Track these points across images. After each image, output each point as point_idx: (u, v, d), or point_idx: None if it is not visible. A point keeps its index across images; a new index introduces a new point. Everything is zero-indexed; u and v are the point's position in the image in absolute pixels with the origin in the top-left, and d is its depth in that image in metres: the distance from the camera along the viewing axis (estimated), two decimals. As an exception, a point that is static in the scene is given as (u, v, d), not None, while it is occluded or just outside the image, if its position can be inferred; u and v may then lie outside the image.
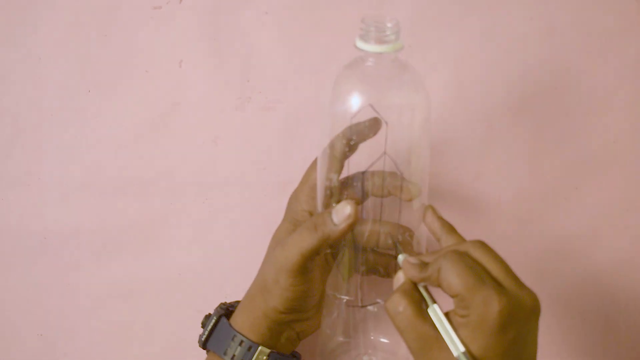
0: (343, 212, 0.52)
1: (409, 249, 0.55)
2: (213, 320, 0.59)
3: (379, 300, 0.57)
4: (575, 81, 0.68)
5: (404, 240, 0.56)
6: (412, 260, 0.50)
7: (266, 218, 0.70)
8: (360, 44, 0.51)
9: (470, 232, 0.70)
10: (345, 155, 0.55)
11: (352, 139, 0.54)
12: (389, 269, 0.57)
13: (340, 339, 0.57)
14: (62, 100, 0.69)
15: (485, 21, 0.67)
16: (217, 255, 0.71)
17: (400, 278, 0.50)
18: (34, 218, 0.70)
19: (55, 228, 0.70)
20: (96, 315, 0.71)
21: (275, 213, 0.70)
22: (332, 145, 0.55)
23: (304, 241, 0.53)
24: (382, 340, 0.57)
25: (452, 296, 0.46)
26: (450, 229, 0.53)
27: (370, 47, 0.50)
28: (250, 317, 0.57)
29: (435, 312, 0.47)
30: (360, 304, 0.57)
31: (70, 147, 0.69)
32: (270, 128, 0.69)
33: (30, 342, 0.72)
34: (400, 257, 0.51)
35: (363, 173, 0.55)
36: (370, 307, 0.57)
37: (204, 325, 0.60)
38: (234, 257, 0.71)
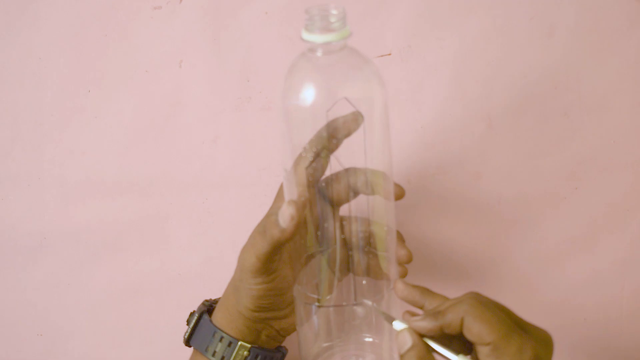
0: (286, 213, 0.51)
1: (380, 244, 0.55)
2: (195, 317, 0.59)
3: (365, 301, 0.55)
4: (575, 81, 0.68)
5: (377, 234, 0.55)
6: (418, 317, 0.49)
7: (266, 218, 0.70)
8: (306, 35, 0.49)
9: (470, 232, 0.70)
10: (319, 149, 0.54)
11: (334, 137, 0.53)
12: (371, 267, 0.57)
13: (324, 343, 0.57)
14: (62, 100, 0.69)
15: (485, 21, 0.67)
16: (217, 255, 0.71)
17: (406, 340, 0.49)
18: (34, 218, 0.70)
19: (55, 228, 0.70)
20: (96, 315, 0.71)
21: (275, 213, 0.70)
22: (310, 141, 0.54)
23: (256, 244, 0.53)
24: (368, 339, 0.57)
25: (481, 344, 0.46)
26: (429, 292, 0.53)
27: (316, 37, 0.48)
28: (227, 314, 0.57)
29: None
30: (345, 304, 0.56)
31: (70, 147, 0.69)
32: (270, 128, 0.69)
33: (30, 342, 0.72)
34: (397, 324, 0.50)
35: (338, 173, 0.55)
36: (355, 307, 0.56)
37: (188, 322, 0.61)
38: (234, 257, 0.70)
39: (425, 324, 0.49)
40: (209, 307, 0.61)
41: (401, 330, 0.50)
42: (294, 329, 0.59)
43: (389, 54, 0.68)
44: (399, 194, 0.56)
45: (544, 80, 0.68)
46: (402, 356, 0.49)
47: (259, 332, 0.58)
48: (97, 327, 0.72)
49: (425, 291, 0.53)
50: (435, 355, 0.49)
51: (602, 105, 0.69)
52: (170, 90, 0.68)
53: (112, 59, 0.68)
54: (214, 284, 0.71)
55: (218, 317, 0.58)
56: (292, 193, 0.53)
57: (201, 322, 0.59)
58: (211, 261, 0.71)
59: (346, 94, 0.50)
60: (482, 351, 0.46)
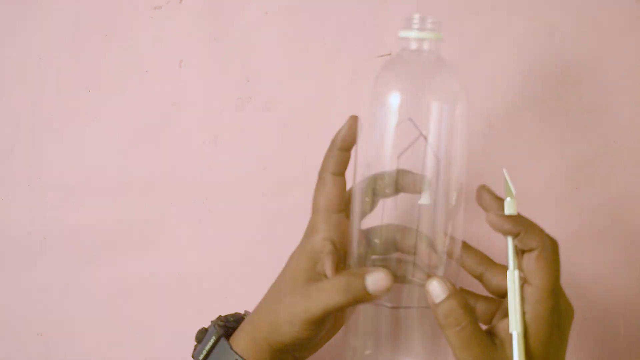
0: (381, 283, 0.50)
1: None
2: (212, 340, 0.56)
3: (412, 306, 0.54)
4: (575, 81, 0.68)
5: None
6: (506, 215, 0.50)
7: (266, 218, 0.70)
8: (404, 33, 0.53)
9: (470, 232, 0.70)
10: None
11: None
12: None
13: (368, 351, 0.55)
14: (62, 100, 0.69)
15: (485, 21, 0.67)
16: (217, 255, 0.71)
17: (437, 290, 0.49)
18: (34, 218, 0.70)
19: (55, 228, 0.70)
20: (96, 315, 0.71)
21: (275, 213, 0.70)
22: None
23: (330, 299, 0.50)
24: (415, 346, 0.55)
25: (533, 279, 0.49)
26: (529, 224, 0.52)
27: (414, 33, 0.53)
28: (254, 345, 0.54)
29: (517, 279, 0.49)
30: (390, 305, 0.54)
31: (70, 147, 0.69)
32: (270, 128, 0.69)
33: (30, 342, 0.72)
34: (508, 201, 0.52)
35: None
36: (402, 310, 0.54)
37: (198, 340, 0.58)
38: (233, 257, 0.71)
39: (508, 226, 0.50)
40: (225, 329, 0.57)
41: (432, 281, 0.49)
42: (310, 355, 0.58)
43: (389, 54, 0.68)
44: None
45: (544, 80, 0.68)
46: (437, 305, 0.49)
47: None
48: (97, 327, 0.72)
49: (526, 223, 0.52)
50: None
51: (602, 105, 0.69)
52: (170, 90, 0.68)
53: (112, 59, 0.68)
54: (214, 284, 0.71)
55: (241, 344, 0.55)
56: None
57: (220, 346, 0.55)
58: (211, 261, 0.71)
59: (430, 99, 0.53)
60: (528, 287, 0.49)
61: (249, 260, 0.70)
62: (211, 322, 0.58)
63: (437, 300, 0.49)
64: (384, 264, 0.54)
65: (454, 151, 0.54)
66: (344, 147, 0.55)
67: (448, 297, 0.48)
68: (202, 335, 0.58)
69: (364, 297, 0.50)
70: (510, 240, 0.50)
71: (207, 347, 0.56)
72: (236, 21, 0.67)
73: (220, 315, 0.59)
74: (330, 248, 0.53)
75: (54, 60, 0.68)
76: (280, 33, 0.68)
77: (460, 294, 0.49)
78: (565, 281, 0.71)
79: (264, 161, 0.69)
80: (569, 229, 0.70)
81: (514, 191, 0.52)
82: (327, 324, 0.54)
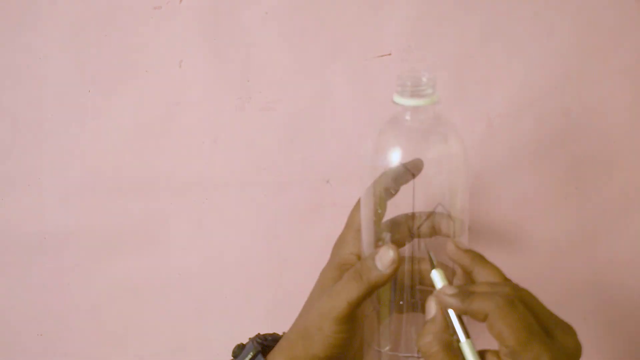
0: (387, 257, 0.51)
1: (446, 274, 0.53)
2: (250, 355, 0.57)
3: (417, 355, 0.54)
4: (575, 81, 0.68)
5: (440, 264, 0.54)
6: (450, 290, 0.47)
7: (266, 218, 0.70)
8: (398, 99, 0.52)
9: (470, 232, 0.70)
10: (390, 196, 0.54)
11: (394, 182, 0.54)
12: None
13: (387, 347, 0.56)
14: (62, 100, 0.69)
15: (485, 21, 0.67)
16: (217, 255, 0.71)
17: (431, 309, 0.48)
18: (34, 218, 0.70)
19: (55, 228, 0.70)
20: (96, 315, 0.71)
21: (275, 213, 0.70)
22: (375, 186, 0.54)
23: (350, 290, 0.51)
24: None
25: (501, 345, 0.45)
26: (482, 260, 0.51)
27: (407, 102, 0.51)
28: None
29: (470, 349, 0.46)
30: (400, 353, 0.56)
31: (70, 147, 0.69)
32: (270, 128, 0.69)
33: (30, 342, 0.72)
34: (434, 273, 0.49)
35: (410, 214, 0.55)
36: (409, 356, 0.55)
37: (235, 355, 0.59)
38: (234, 257, 0.71)
39: (451, 302, 0.47)
40: (262, 346, 0.58)
41: (430, 298, 0.48)
42: None
43: (389, 54, 0.68)
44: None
45: (544, 80, 0.68)
46: (425, 325, 0.48)
47: None
48: (97, 327, 0.72)
49: (478, 258, 0.51)
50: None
51: (602, 105, 0.69)
52: (170, 90, 0.68)
53: (112, 59, 0.68)
54: (214, 284, 0.71)
55: None
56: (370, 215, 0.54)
57: None
58: (211, 261, 0.71)
59: (429, 156, 0.53)
60: (502, 350, 0.45)
61: (249, 260, 0.70)
62: (250, 338, 0.59)
63: (427, 317, 0.48)
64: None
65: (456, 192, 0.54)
66: (394, 190, 0.55)
67: (432, 320, 0.48)
68: (239, 350, 0.58)
69: (378, 277, 0.51)
70: (451, 312, 0.47)
71: None
72: (236, 21, 0.67)
73: (259, 334, 0.60)
74: (356, 261, 0.55)
75: (54, 60, 0.68)
76: (280, 33, 0.68)
77: (440, 322, 0.47)
78: (565, 281, 0.71)
79: (264, 161, 0.69)
80: (569, 229, 0.70)
81: (435, 261, 0.51)
82: (355, 324, 0.54)
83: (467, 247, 0.52)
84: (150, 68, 0.68)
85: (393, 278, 0.52)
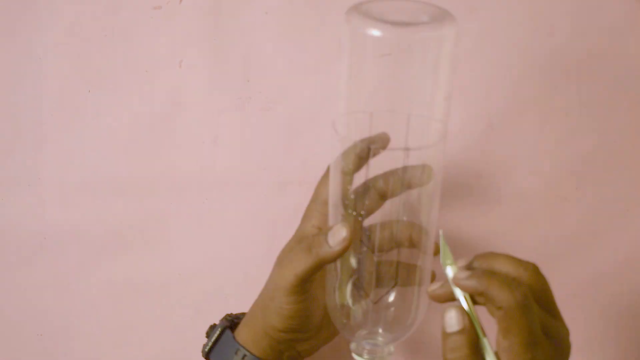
0: (339, 234, 0.51)
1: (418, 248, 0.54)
2: (217, 332, 0.59)
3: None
4: (575, 81, 0.68)
5: (413, 237, 0.54)
6: (466, 273, 0.45)
7: (266, 218, 0.70)
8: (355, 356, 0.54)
9: (470, 232, 0.70)
10: (358, 169, 0.54)
11: (363, 153, 0.53)
12: (397, 276, 0.56)
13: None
14: (62, 100, 0.69)
15: (485, 21, 0.67)
16: (217, 255, 0.71)
17: (453, 319, 0.46)
18: (34, 218, 0.70)
19: (55, 228, 0.70)
20: (96, 315, 0.71)
21: (275, 213, 0.70)
22: (343, 159, 0.54)
23: (298, 262, 0.52)
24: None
25: (503, 338, 0.45)
26: (486, 275, 0.47)
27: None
28: (252, 333, 0.57)
29: (489, 348, 0.46)
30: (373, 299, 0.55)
31: (70, 147, 0.69)
32: (270, 128, 0.69)
33: (30, 342, 0.72)
34: (449, 270, 0.47)
35: (373, 178, 0.55)
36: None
37: (208, 335, 0.60)
38: (233, 257, 0.71)
39: (470, 283, 0.45)
40: (231, 322, 0.60)
41: (450, 310, 0.46)
42: (315, 351, 0.59)
43: (389, 54, 0.67)
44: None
45: (544, 80, 0.68)
46: (447, 335, 0.46)
47: (281, 352, 0.57)
48: (97, 327, 0.72)
49: (482, 275, 0.46)
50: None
51: (602, 105, 0.69)
52: (170, 90, 0.68)
53: (112, 59, 0.68)
54: (214, 284, 0.71)
55: (242, 334, 0.58)
56: (337, 181, 0.53)
57: (223, 337, 0.58)
58: (211, 261, 0.71)
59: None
60: (500, 342, 0.45)
61: (249, 260, 0.70)
62: (220, 319, 0.61)
63: (449, 330, 0.46)
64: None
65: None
66: (362, 155, 0.54)
67: (460, 332, 0.46)
68: (211, 330, 0.60)
69: (326, 253, 0.51)
70: (462, 299, 0.46)
71: (213, 338, 0.58)
72: (236, 21, 0.67)
73: (231, 313, 0.61)
74: (317, 232, 0.56)
75: (54, 60, 0.68)
76: (280, 33, 0.68)
77: (472, 333, 0.46)
78: (565, 281, 0.71)
79: (264, 161, 0.69)
80: (569, 229, 0.70)
81: (451, 256, 0.48)
82: (308, 296, 0.54)
83: (467, 274, 0.46)
84: (150, 68, 0.68)
85: (342, 255, 0.52)
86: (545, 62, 0.68)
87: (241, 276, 0.71)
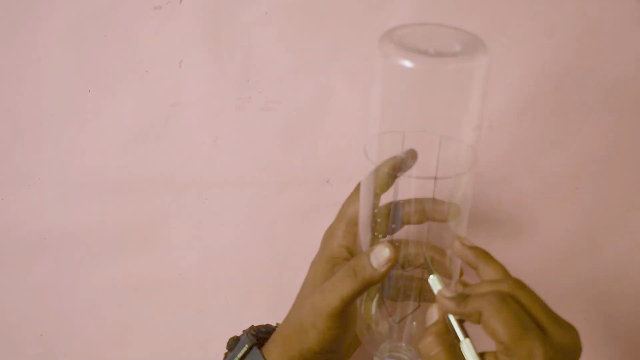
0: (382, 255, 0.51)
1: (441, 269, 0.54)
2: (245, 348, 0.57)
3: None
4: (575, 81, 0.68)
5: (434, 258, 0.55)
6: (448, 293, 0.48)
7: (266, 218, 0.70)
8: None
9: (470, 232, 0.70)
10: (386, 190, 0.54)
11: (393, 171, 0.54)
12: (421, 293, 0.56)
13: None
14: (62, 100, 0.69)
15: (485, 21, 0.67)
16: (217, 255, 0.71)
17: (433, 314, 0.49)
18: (34, 218, 0.70)
19: (55, 228, 0.70)
20: (96, 315, 0.72)
21: (275, 213, 0.70)
22: (374, 180, 0.54)
23: (344, 287, 0.52)
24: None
25: (495, 342, 0.45)
26: (486, 257, 0.51)
27: None
28: (285, 356, 0.55)
29: (469, 348, 0.46)
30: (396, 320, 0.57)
31: (70, 147, 0.69)
32: (270, 128, 0.69)
33: (30, 342, 0.72)
34: (432, 278, 0.50)
35: (400, 202, 0.55)
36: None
37: (230, 348, 0.59)
38: (233, 257, 0.71)
39: (447, 304, 0.47)
40: (257, 338, 0.58)
41: (432, 305, 0.49)
42: None
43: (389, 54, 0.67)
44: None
45: (544, 80, 0.68)
46: (426, 328, 0.48)
47: None
48: (97, 327, 0.72)
49: (482, 255, 0.51)
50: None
51: (602, 105, 0.69)
52: (170, 90, 0.68)
53: (112, 59, 0.68)
54: (214, 284, 0.71)
55: (273, 355, 0.56)
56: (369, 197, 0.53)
57: (251, 355, 0.57)
58: (211, 261, 0.71)
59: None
60: (497, 347, 0.46)
61: (249, 260, 0.71)
62: (243, 331, 0.59)
63: (428, 323, 0.49)
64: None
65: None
66: (392, 171, 0.54)
67: (434, 323, 0.48)
68: (234, 343, 0.59)
69: (372, 274, 0.51)
70: (450, 315, 0.48)
71: (239, 355, 0.57)
72: (236, 21, 0.67)
73: (252, 325, 0.60)
74: (346, 255, 0.55)
75: (54, 60, 0.68)
76: (280, 33, 0.68)
77: (441, 325, 0.48)
78: (565, 281, 0.72)
79: (264, 161, 0.69)
80: (569, 229, 0.70)
81: (431, 267, 0.51)
82: (348, 318, 0.54)
83: (472, 244, 0.52)
84: (150, 68, 0.68)
85: (387, 275, 0.52)
86: (545, 62, 0.68)
87: (241, 276, 0.71)
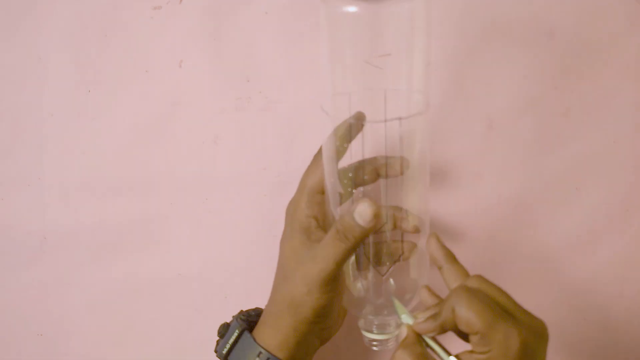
0: (366, 212, 0.52)
1: (405, 224, 0.57)
2: (235, 334, 0.58)
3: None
4: (575, 81, 0.68)
5: (400, 216, 0.57)
6: (421, 318, 0.50)
7: (266, 218, 0.70)
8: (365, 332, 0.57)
9: (470, 232, 0.70)
10: (348, 143, 0.56)
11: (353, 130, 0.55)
12: (399, 253, 0.58)
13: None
14: (62, 100, 0.69)
15: (485, 22, 0.67)
16: (217, 255, 0.71)
17: (403, 333, 0.51)
18: (34, 218, 0.70)
19: (55, 228, 0.70)
20: (96, 315, 0.71)
21: (275, 213, 0.70)
22: (336, 137, 0.55)
23: (337, 250, 0.53)
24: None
25: (471, 334, 0.47)
26: (452, 258, 0.53)
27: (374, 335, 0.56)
28: (278, 335, 0.56)
29: None
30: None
31: (70, 147, 0.69)
32: (270, 128, 0.69)
33: (30, 342, 0.72)
34: (404, 317, 0.52)
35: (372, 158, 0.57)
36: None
37: (221, 335, 0.59)
38: (233, 256, 0.71)
39: (426, 326, 0.49)
40: (247, 323, 0.59)
41: (402, 325, 0.52)
42: (332, 336, 0.60)
43: (389, 54, 0.67)
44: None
45: (544, 80, 0.68)
46: (400, 345, 0.50)
47: (307, 346, 0.57)
48: (97, 327, 0.72)
49: (449, 256, 0.53)
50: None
51: (602, 105, 0.69)
52: (170, 90, 0.68)
53: (112, 59, 0.68)
54: (214, 283, 0.71)
55: (265, 337, 0.56)
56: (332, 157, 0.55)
57: (243, 340, 0.57)
58: (211, 261, 0.71)
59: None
60: (473, 340, 0.47)
61: (249, 260, 0.70)
62: (233, 316, 0.60)
63: (400, 340, 0.51)
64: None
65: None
66: (344, 139, 0.56)
67: (405, 338, 0.51)
68: (224, 329, 0.59)
69: (362, 231, 0.52)
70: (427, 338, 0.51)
71: (231, 340, 0.57)
72: (236, 21, 0.67)
73: (242, 310, 0.61)
74: (315, 223, 0.57)
75: (54, 60, 0.68)
76: (280, 33, 0.68)
77: (412, 338, 0.50)
78: (565, 281, 0.71)
79: (264, 161, 0.69)
80: (568, 229, 0.70)
81: (404, 308, 0.54)
82: (339, 281, 0.55)
83: (443, 245, 0.54)
84: (150, 68, 0.68)
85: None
86: (545, 62, 0.68)
87: (241, 276, 0.71)
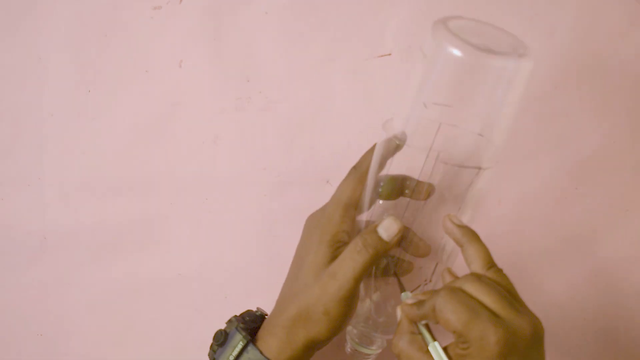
0: (392, 228, 0.53)
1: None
2: (240, 346, 0.55)
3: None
4: (575, 81, 0.68)
5: (404, 270, 0.57)
6: (409, 300, 0.51)
7: (266, 218, 0.70)
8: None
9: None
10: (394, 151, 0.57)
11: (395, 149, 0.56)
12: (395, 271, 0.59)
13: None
14: (62, 100, 0.69)
15: (485, 21, 0.67)
16: (217, 255, 0.71)
17: (397, 315, 0.52)
18: (34, 218, 0.70)
19: (55, 228, 0.70)
20: (96, 315, 0.71)
21: (275, 213, 0.70)
22: (383, 154, 0.56)
23: (356, 263, 0.53)
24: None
25: (450, 332, 0.47)
26: (472, 236, 0.53)
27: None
28: (288, 349, 0.54)
29: (436, 350, 0.48)
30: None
31: (70, 147, 0.69)
32: (270, 128, 0.69)
33: (30, 342, 0.72)
34: (403, 295, 0.53)
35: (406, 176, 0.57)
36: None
37: (221, 343, 0.57)
38: (233, 257, 0.71)
39: (409, 311, 0.50)
40: (249, 332, 0.57)
41: (397, 307, 0.52)
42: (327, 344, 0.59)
43: (389, 54, 0.68)
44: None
45: (544, 80, 0.68)
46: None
47: (310, 356, 0.57)
48: (97, 327, 0.72)
49: (468, 234, 0.53)
50: None
51: (602, 105, 0.69)
52: (170, 90, 0.68)
53: (112, 59, 0.68)
54: (214, 284, 0.71)
55: (273, 349, 0.55)
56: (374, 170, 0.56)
57: (248, 353, 0.55)
58: (211, 261, 0.71)
59: None
60: (454, 339, 0.47)
61: (249, 260, 0.70)
62: (227, 323, 0.58)
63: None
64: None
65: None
66: (387, 155, 0.56)
67: (398, 322, 0.51)
68: (223, 337, 0.57)
69: (383, 246, 0.53)
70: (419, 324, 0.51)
71: (235, 353, 0.55)
72: (236, 21, 0.67)
73: (235, 315, 0.59)
74: (347, 239, 0.56)
75: (54, 60, 0.68)
76: (280, 33, 0.68)
77: (405, 323, 0.51)
78: (565, 281, 0.71)
79: (264, 161, 0.69)
80: (568, 228, 0.70)
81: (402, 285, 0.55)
82: (354, 301, 0.55)
83: (462, 222, 0.54)
84: (150, 68, 0.68)
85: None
86: (545, 62, 0.68)
87: (241, 276, 0.71)
